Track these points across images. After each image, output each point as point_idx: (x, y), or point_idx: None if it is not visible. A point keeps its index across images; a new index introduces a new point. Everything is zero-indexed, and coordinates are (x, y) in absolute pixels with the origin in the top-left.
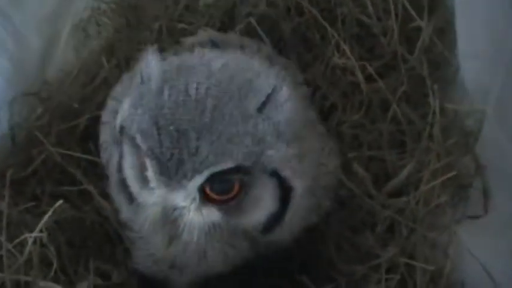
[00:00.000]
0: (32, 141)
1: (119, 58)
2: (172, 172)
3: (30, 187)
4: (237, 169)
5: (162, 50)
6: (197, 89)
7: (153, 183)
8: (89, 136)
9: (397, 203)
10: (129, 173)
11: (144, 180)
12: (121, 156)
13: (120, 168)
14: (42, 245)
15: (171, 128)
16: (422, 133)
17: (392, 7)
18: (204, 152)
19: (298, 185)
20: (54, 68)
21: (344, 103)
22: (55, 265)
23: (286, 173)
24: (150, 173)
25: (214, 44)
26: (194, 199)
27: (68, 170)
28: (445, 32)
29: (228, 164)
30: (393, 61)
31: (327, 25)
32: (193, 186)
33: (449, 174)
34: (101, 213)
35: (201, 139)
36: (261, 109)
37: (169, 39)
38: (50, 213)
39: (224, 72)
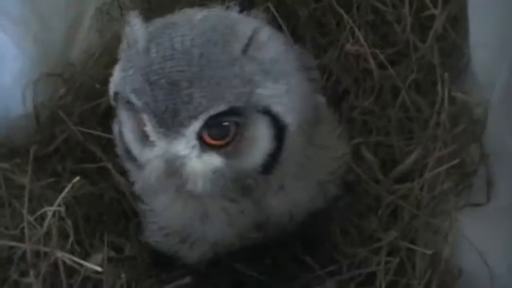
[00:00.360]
0: (55, 120)
1: None
2: (169, 122)
3: (52, 164)
4: (231, 111)
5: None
6: (182, 41)
7: (153, 137)
8: (110, 116)
9: (402, 189)
10: (130, 137)
11: (144, 139)
12: (120, 124)
13: (121, 136)
14: (61, 219)
15: (162, 81)
16: (429, 121)
17: None
18: (197, 99)
19: (291, 121)
20: (78, 49)
21: (356, 89)
22: (71, 238)
23: (277, 109)
24: (149, 128)
25: None
26: (194, 147)
27: (89, 147)
28: (459, 20)
29: (222, 107)
30: (406, 49)
31: (342, 11)
32: (192, 133)
33: (454, 162)
34: (118, 189)
35: (192, 87)
36: (245, 51)
37: None
38: (68, 188)
39: (206, 23)
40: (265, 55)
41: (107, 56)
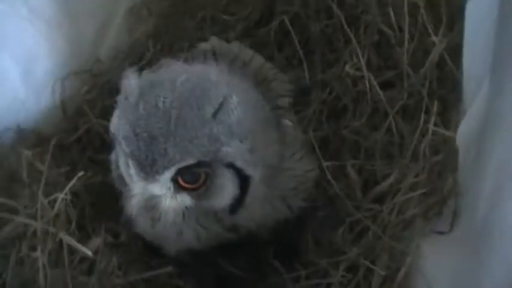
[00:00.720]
0: (79, 113)
1: (164, 43)
2: (148, 169)
3: (71, 153)
4: (199, 164)
5: (141, 70)
6: (164, 102)
7: (135, 178)
8: None
9: (373, 209)
10: (123, 169)
11: (130, 176)
12: (116, 155)
13: (117, 165)
14: (68, 205)
15: (145, 134)
16: (409, 147)
17: (406, 20)
18: (170, 153)
19: (253, 173)
20: (107, 47)
21: (354, 108)
22: (74, 223)
23: (240, 164)
24: (132, 171)
25: (214, 53)
26: (169, 188)
27: (107, 139)
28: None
29: (190, 161)
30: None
31: (348, 31)
32: (166, 179)
33: (421, 191)
34: None
35: (167, 142)
36: (215, 115)
37: (211, 29)
38: (73, 181)
39: (186, 86)
40: (233, 118)
41: (133, 54)
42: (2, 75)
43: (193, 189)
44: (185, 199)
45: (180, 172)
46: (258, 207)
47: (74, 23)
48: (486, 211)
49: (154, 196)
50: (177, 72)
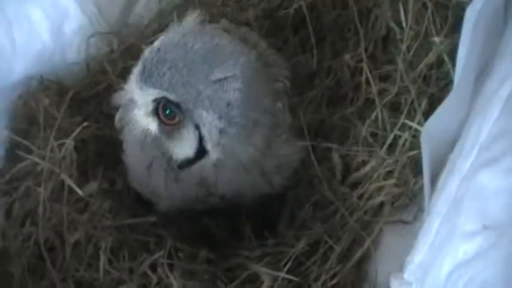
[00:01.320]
0: (101, 71)
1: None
2: (144, 76)
3: (88, 106)
4: (178, 106)
5: None
6: (187, 45)
7: (131, 78)
8: None
9: (346, 193)
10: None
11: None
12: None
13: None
14: (73, 151)
15: (160, 55)
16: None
17: (409, 18)
18: (166, 79)
19: (211, 150)
20: (136, 14)
21: (352, 96)
22: (74, 166)
23: (205, 134)
24: (134, 72)
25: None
26: (148, 106)
27: None
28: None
29: (174, 97)
30: (409, 68)
31: (358, 23)
32: (150, 94)
33: (391, 181)
34: None
35: (169, 71)
36: (216, 82)
37: (234, 5)
38: (80, 128)
39: (211, 43)
40: (226, 97)
41: (159, 20)
42: (33, 28)
43: (164, 123)
44: (153, 124)
45: (163, 103)
46: (237, 179)
47: None
48: None
49: (134, 102)
50: (208, 32)
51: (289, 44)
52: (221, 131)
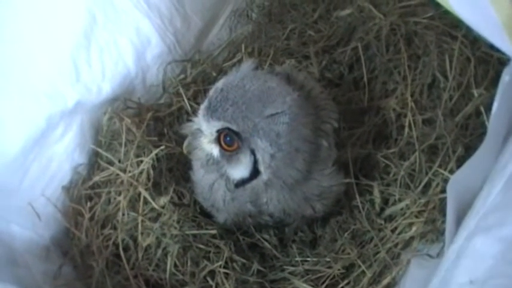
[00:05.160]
0: (176, 94)
1: (254, 47)
2: (210, 111)
3: (163, 125)
4: (237, 134)
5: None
6: (246, 87)
7: (199, 112)
8: None
9: (381, 226)
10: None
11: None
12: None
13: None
14: (151, 168)
15: (224, 94)
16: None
17: (453, 71)
18: (229, 113)
19: (263, 171)
20: (209, 41)
21: (396, 136)
22: (150, 181)
23: (259, 158)
24: (201, 107)
25: (288, 77)
26: (212, 135)
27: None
28: None
29: (235, 127)
30: (449, 116)
31: (407, 69)
32: (214, 126)
33: (422, 219)
34: None
35: (232, 107)
36: (269, 116)
37: (297, 40)
38: (157, 150)
39: (266, 85)
40: (276, 128)
41: (230, 49)
42: (120, 56)
43: (225, 149)
44: (215, 150)
45: (224, 131)
46: (283, 199)
47: (184, 20)
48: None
49: (200, 132)
50: (261, 76)
51: (344, 81)
52: (271, 156)
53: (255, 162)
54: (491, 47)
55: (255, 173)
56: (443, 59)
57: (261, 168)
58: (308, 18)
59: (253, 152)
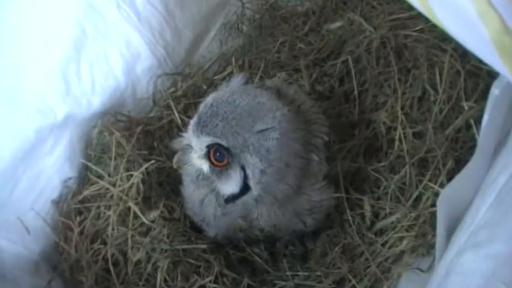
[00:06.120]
0: (166, 107)
1: (244, 60)
2: (200, 126)
3: (152, 138)
4: (227, 150)
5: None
6: (237, 101)
7: (189, 127)
8: None
9: (371, 240)
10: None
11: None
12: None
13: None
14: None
15: (214, 109)
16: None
17: (443, 84)
18: (219, 129)
19: (253, 187)
20: (199, 55)
21: (386, 149)
22: (140, 196)
23: (249, 173)
24: (191, 123)
25: (278, 92)
26: (202, 150)
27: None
28: None
29: (224, 143)
30: (439, 129)
31: (397, 82)
32: (204, 141)
33: (412, 233)
34: None
35: (222, 122)
36: (259, 132)
37: (287, 53)
38: (147, 164)
39: (256, 100)
40: (266, 144)
41: (220, 62)
42: (110, 69)
43: (215, 165)
44: (205, 166)
45: (214, 147)
46: (273, 214)
47: (174, 33)
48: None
49: (190, 147)
50: (251, 91)
51: (335, 94)
52: (262, 171)
53: (245, 178)
54: (481, 60)
55: (245, 188)
56: (433, 72)
57: (251, 183)
58: (299, 31)
59: (243, 168)
